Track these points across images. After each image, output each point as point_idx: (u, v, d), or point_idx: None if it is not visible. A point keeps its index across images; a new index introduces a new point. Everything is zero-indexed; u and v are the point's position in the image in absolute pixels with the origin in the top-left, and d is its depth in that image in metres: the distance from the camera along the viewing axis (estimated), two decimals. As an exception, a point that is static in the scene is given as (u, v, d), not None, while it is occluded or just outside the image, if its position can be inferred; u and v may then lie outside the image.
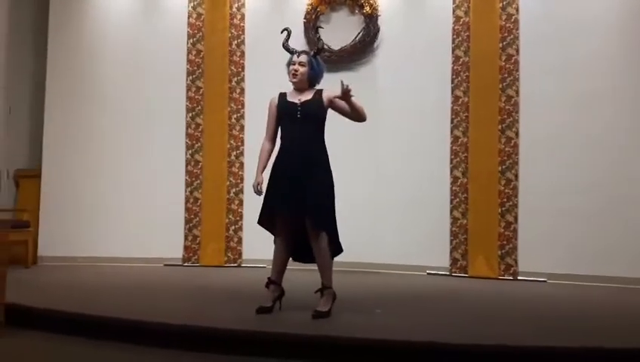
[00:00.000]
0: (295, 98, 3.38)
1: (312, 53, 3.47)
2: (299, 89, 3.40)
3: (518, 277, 5.06)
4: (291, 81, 3.39)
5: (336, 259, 5.47)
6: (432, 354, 2.74)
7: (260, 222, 3.41)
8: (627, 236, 4.76)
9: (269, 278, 3.38)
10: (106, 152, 5.85)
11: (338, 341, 2.85)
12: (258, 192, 3.37)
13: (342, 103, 3.33)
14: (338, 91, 3.26)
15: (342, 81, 3.21)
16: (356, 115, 3.34)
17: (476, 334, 3.00)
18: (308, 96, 3.37)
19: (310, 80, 3.40)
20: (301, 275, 3.56)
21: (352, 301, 3.69)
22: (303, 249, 3.36)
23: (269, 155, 3.44)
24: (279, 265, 3.38)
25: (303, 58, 3.38)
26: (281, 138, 3.41)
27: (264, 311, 3.28)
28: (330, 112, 3.46)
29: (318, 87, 3.45)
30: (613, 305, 4.03)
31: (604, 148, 4.91)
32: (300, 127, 3.31)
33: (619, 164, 4.87)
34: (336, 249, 3.36)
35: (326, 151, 3.38)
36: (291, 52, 3.45)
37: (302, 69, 3.36)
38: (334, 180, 3.40)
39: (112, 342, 3.04)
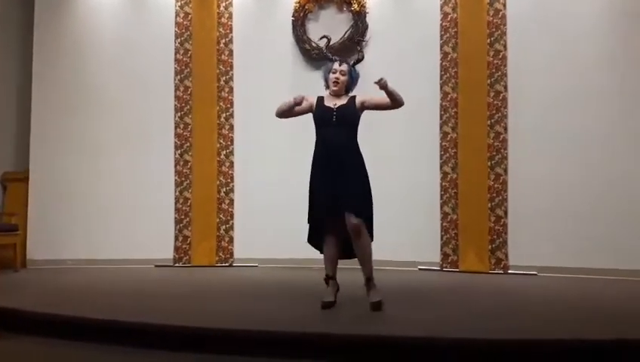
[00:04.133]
0: (331, 103, 3.55)
1: (351, 62, 3.64)
2: (336, 95, 3.58)
3: (509, 271, 5.10)
4: (332, 90, 3.57)
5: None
6: (437, 348, 2.74)
7: (309, 239, 3.66)
8: (616, 229, 4.82)
9: (327, 275, 3.54)
10: (94, 153, 5.80)
11: (337, 338, 2.86)
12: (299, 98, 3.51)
13: (376, 100, 3.55)
14: (368, 94, 3.51)
15: (380, 80, 3.38)
16: (395, 102, 3.49)
17: (470, 328, 3.02)
18: (343, 101, 3.55)
19: (347, 87, 3.61)
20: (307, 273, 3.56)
21: (348, 297, 3.70)
22: (345, 246, 3.52)
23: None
24: (333, 261, 3.55)
25: (345, 67, 3.58)
26: (316, 141, 3.56)
27: (329, 306, 3.41)
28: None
29: (351, 93, 3.62)
30: (603, 298, 4.07)
31: (592, 142, 4.96)
32: (335, 131, 3.46)
33: (606, 158, 4.92)
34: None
35: (360, 153, 3.54)
36: (331, 59, 3.63)
37: (343, 78, 3.56)
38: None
39: (104, 344, 3.01)
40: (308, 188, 3.60)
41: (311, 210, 3.58)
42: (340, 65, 3.57)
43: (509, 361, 2.64)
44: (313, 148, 3.59)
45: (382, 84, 3.40)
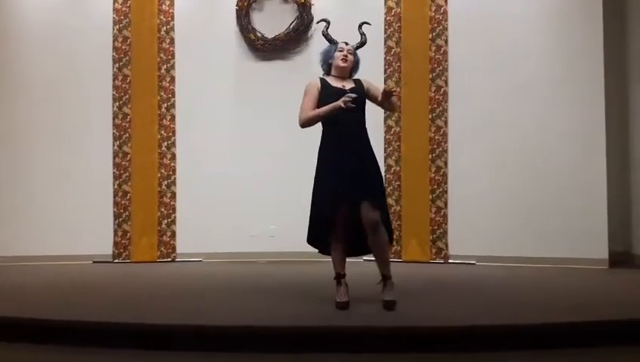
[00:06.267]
0: (339, 84, 3.35)
1: (355, 46, 3.50)
2: (340, 76, 3.39)
3: (449, 261, 5.27)
4: (339, 66, 3.37)
5: (278, 249, 5.50)
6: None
7: (310, 240, 3.41)
8: (549, 219, 5.06)
9: (338, 273, 3.30)
10: (24, 145, 5.51)
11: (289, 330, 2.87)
12: (349, 99, 3.14)
13: (376, 92, 3.38)
14: (380, 86, 3.37)
15: (385, 87, 3.27)
16: (391, 107, 3.44)
17: (413, 316, 3.10)
18: (350, 83, 3.38)
19: (352, 69, 3.44)
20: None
21: (300, 290, 3.71)
22: (358, 241, 3.31)
23: None
24: (344, 259, 3.35)
25: (351, 47, 3.44)
26: (325, 130, 3.34)
27: (344, 307, 3.21)
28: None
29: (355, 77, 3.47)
30: (534, 284, 4.28)
31: (528, 135, 5.17)
32: (347, 116, 3.21)
33: (542, 151, 5.14)
34: (390, 237, 3.36)
35: (371, 144, 3.40)
36: (332, 41, 3.48)
37: (351, 57, 3.40)
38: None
39: (41, 344, 2.87)
40: (313, 185, 3.36)
41: (316, 205, 3.31)
42: (347, 45, 3.40)
43: (452, 347, 2.74)
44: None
45: (388, 92, 3.22)
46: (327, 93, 3.29)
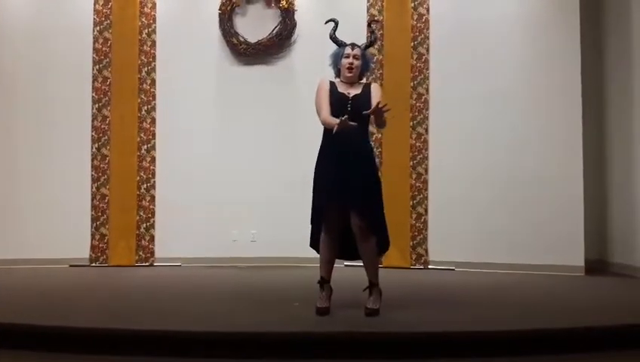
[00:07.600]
0: (345, 90, 3.29)
1: (363, 46, 3.40)
2: (349, 82, 3.32)
3: (429, 267, 5.31)
4: (346, 76, 3.30)
5: (258, 254, 5.47)
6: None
7: (313, 221, 3.31)
8: (527, 226, 5.11)
9: (322, 277, 3.27)
10: (0, 145, 5.40)
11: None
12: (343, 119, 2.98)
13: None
14: (377, 97, 3.19)
15: (378, 103, 3.04)
16: (380, 123, 3.20)
17: (393, 321, 3.11)
18: (357, 89, 3.30)
19: (361, 73, 3.36)
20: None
21: (280, 295, 3.69)
22: (350, 246, 3.28)
23: None
24: (331, 263, 3.30)
25: (358, 51, 3.31)
26: (325, 132, 3.26)
27: (324, 312, 3.19)
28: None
29: (365, 80, 3.39)
30: (514, 290, 4.34)
31: (509, 143, 5.24)
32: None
33: (523, 159, 5.20)
34: (384, 245, 3.35)
35: (372, 147, 3.29)
36: (340, 44, 3.36)
37: (357, 62, 3.29)
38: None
39: (19, 350, 2.81)
40: (312, 188, 3.30)
41: (315, 209, 3.28)
42: (352, 50, 3.29)
43: (433, 353, 2.75)
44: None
45: (378, 110, 3.01)
46: (333, 97, 3.26)
